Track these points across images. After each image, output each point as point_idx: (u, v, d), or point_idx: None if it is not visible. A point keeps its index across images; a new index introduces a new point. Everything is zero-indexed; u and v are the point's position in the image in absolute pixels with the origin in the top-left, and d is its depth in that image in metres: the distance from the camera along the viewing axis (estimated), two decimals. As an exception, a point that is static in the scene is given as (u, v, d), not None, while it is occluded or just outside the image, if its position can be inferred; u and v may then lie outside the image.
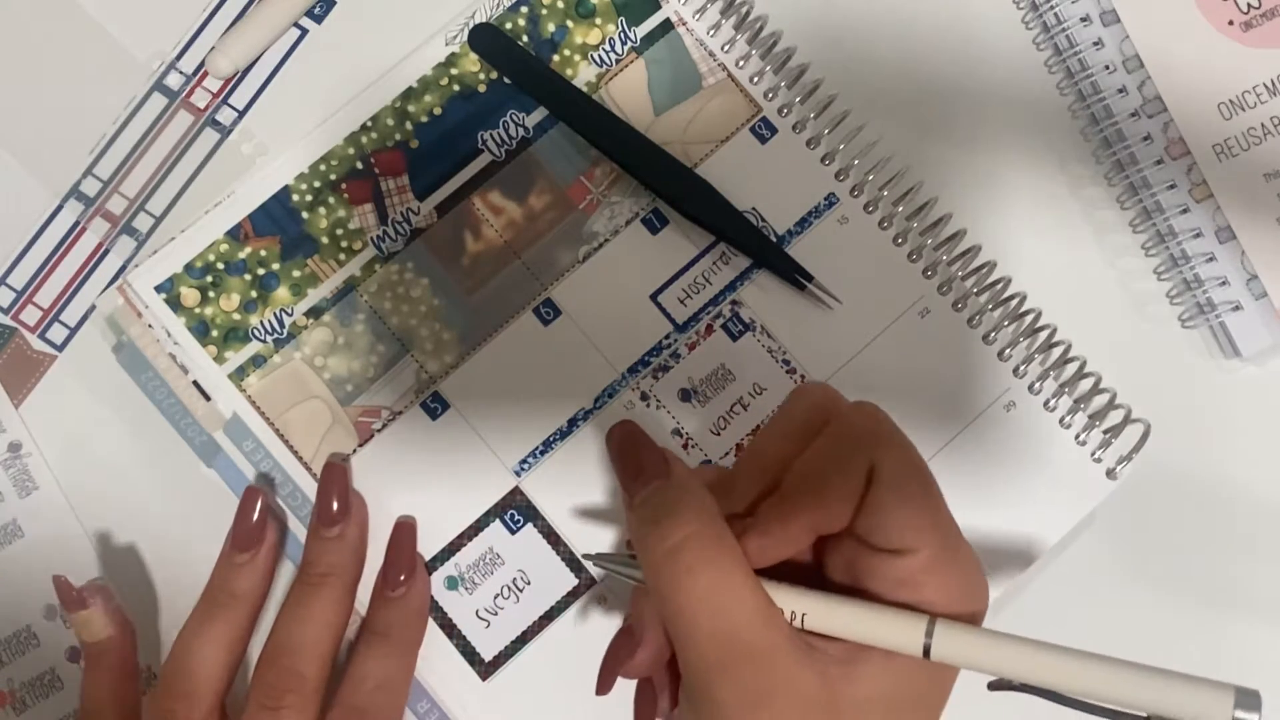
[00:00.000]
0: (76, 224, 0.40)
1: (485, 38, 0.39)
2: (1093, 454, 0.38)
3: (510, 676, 0.38)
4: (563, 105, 0.39)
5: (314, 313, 0.39)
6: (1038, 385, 0.38)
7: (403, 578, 0.37)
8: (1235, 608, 0.39)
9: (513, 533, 0.38)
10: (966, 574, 0.29)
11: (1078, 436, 0.38)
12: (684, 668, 0.28)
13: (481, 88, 0.40)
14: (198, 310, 0.39)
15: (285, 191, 0.39)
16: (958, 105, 0.40)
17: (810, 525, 0.29)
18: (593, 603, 0.38)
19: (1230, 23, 0.39)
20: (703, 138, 0.39)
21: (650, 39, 0.40)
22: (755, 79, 0.39)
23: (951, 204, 0.39)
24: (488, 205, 0.39)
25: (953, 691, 0.30)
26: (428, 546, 0.38)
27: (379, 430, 0.39)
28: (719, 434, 0.38)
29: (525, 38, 0.40)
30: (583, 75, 0.40)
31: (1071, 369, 0.38)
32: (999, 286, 0.39)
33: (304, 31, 0.41)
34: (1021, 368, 0.38)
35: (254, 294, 0.39)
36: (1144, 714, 0.26)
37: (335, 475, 0.37)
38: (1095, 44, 0.39)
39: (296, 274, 0.39)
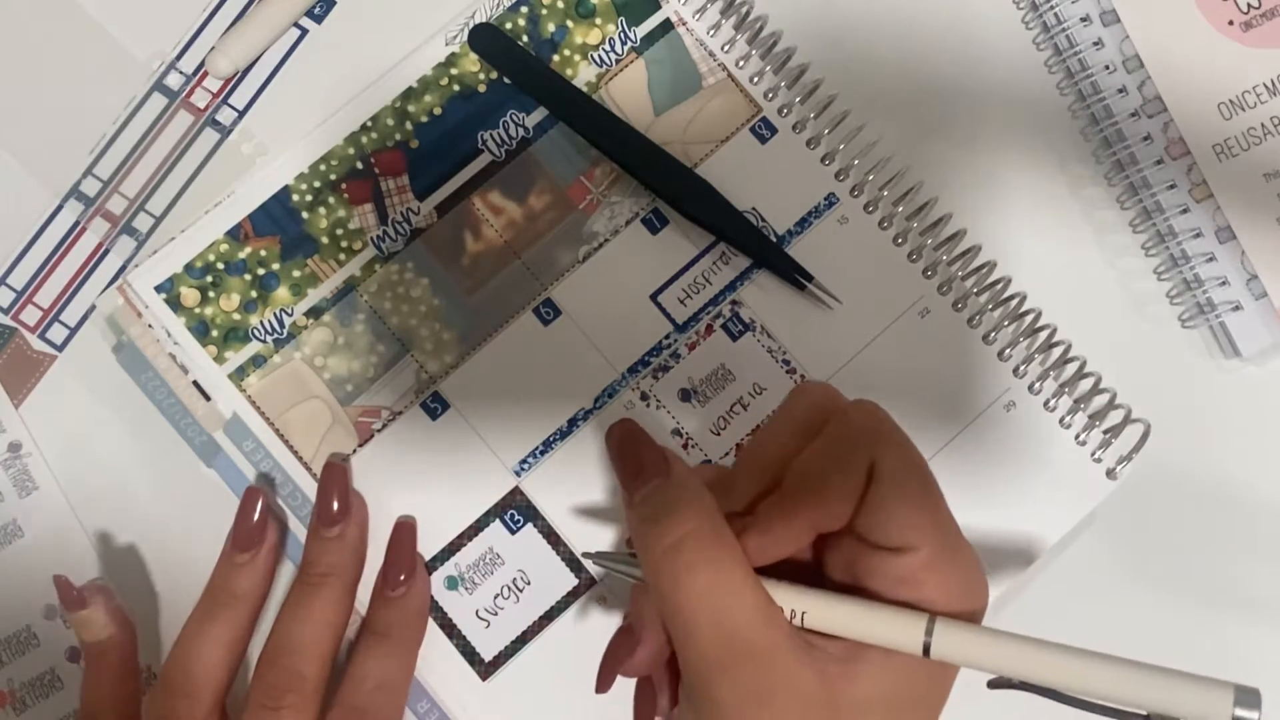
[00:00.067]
0: (76, 224, 0.40)
1: (485, 38, 0.39)
2: (1093, 454, 0.38)
3: (510, 676, 0.38)
4: (563, 105, 0.39)
5: (314, 313, 0.39)
6: (1038, 385, 0.38)
7: (403, 577, 0.37)
8: (1235, 608, 0.39)
9: (513, 533, 0.38)
10: (966, 572, 0.29)
11: (1078, 436, 0.38)
12: (684, 666, 0.28)
13: (481, 88, 0.40)
14: (198, 310, 0.39)
15: (285, 191, 0.39)
16: (958, 105, 0.40)
17: (810, 523, 0.29)
18: (593, 603, 0.38)
19: (1230, 23, 0.39)
20: (703, 138, 0.39)
21: (650, 39, 0.40)
22: (755, 79, 0.39)
23: (951, 204, 0.39)
24: (488, 205, 0.39)
25: (952, 690, 0.30)
26: (428, 546, 0.38)
27: (379, 430, 0.39)
28: (719, 434, 0.38)
29: (525, 38, 0.40)
30: (583, 75, 0.40)
31: (1071, 369, 0.38)
32: (999, 286, 0.39)
33: (304, 31, 0.41)
34: (1021, 368, 0.38)
35: (254, 294, 0.39)
36: (1144, 712, 0.27)
37: (335, 475, 0.37)
38: (1095, 44, 0.39)
39: (296, 274, 0.39)
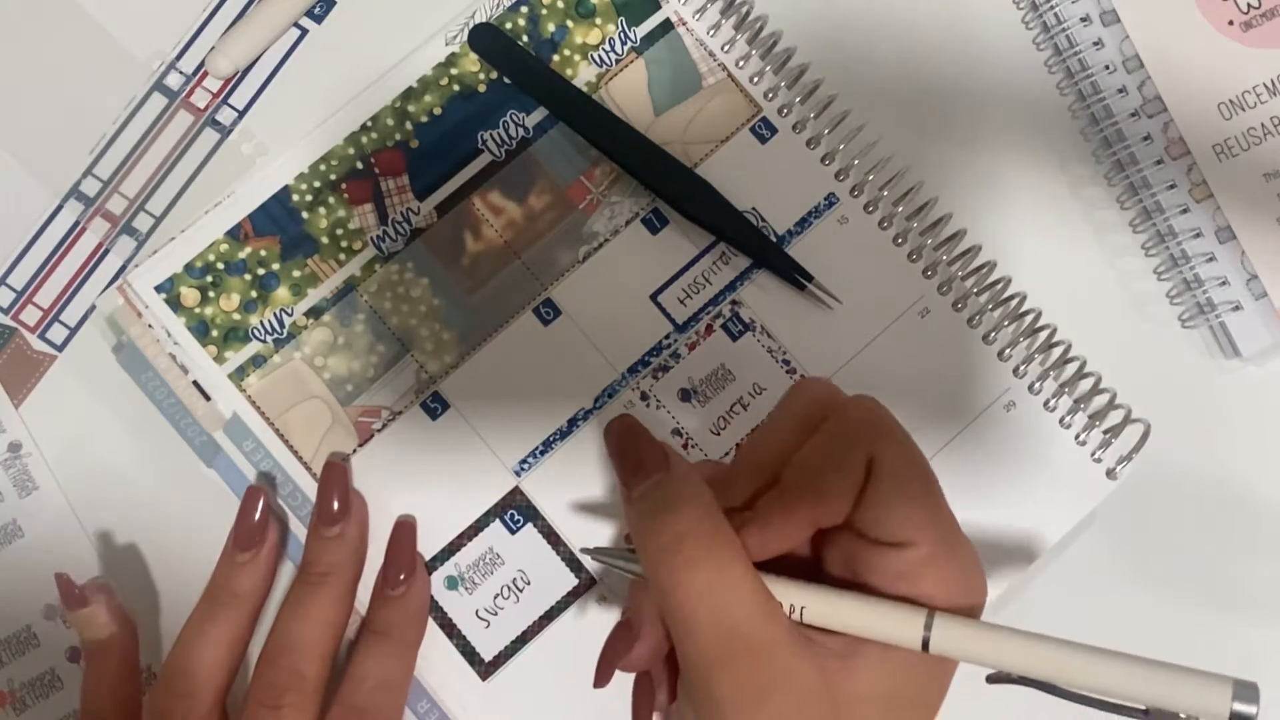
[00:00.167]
0: (76, 224, 0.40)
1: (485, 38, 0.39)
2: (1093, 454, 0.38)
3: (510, 676, 0.38)
4: (563, 105, 0.39)
5: (314, 313, 0.39)
6: (1038, 385, 0.38)
7: (402, 577, 0.37)
8: (1235, 608, 0.39)
9: (513, 533, 0.38)
10: (965, 568, 0.29)
11: (1078, 436, 0.38)
12: (683, 661, 0.28)
13: (481, 88, 0.40)
14: (198, 310, 0.39)
15: (285, 191, 0.39)
16: (958, 105, 0.40)
17: (809, 518, 0.29)
18: (592, 602, 0.38)
19: (1230, 23, 0.39)
20: (703, 138, 0.39)
21: (650, 39, 0.40)
22: (755, 79, 0.39)
23: (951, 204, 0.39)
24: (488, 205, 0.39)
25: (951, 686, 0.30)
26: (428, 546, 0.38)
27: (379, 430, 0.39)
28: (719, 434, 0.38)
29: (525, 38, 0.40)
30: (583, 75, 0.40)
31: (1071, 369, 0.38)
32: (999, 286, 0.39)
33: (304, 31, 0.41)
34: (1021, 368, 0.38)
35: (254, 294, 0.39)
36: (1143, 707, 0.27)
37: (335, 475, 0.37)
38: (1095, 44, 0.39)
39: (296, 274, 0.39)
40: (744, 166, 0.39)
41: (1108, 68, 0.39)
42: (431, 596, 0.38)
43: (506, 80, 0.40)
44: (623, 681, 0.38)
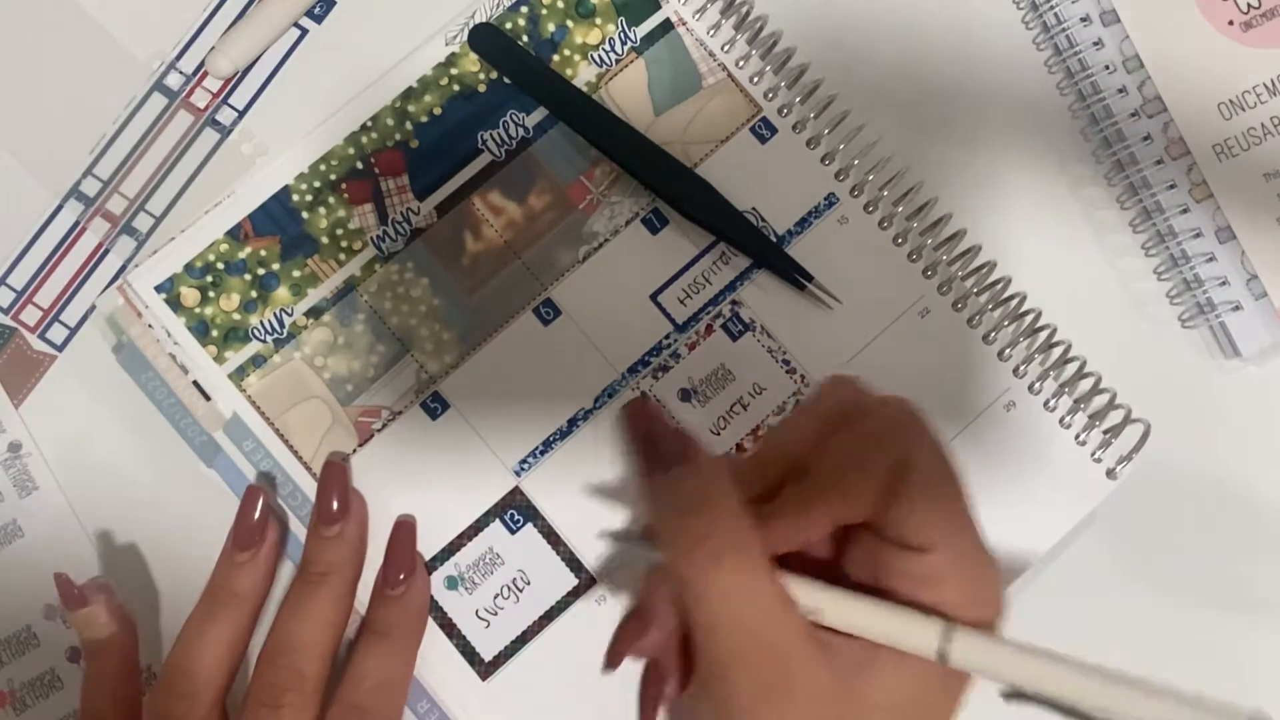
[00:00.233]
0: (76, 224, 0.40)
1: (485, 38, 0.39)
2: (1093, 454, 0.38)
3: (510, 676, 0.38)
4: (563, 105, 0.39)
5: (314, 313, 0.39)
6: (1038, 385, 0.38)
7: (402, 576, 0.37)
8: (1235, 608, 0.39)
9: (513, 533, 0.38)
10: (986, 578, 0.29)
11: (1078, 436, 0.38)
12: (700, 655, 0.28)
13: (481, 88, 0.40)
14: (198, 310, 0.39)
15: (285, 191, 0.39)
16: (958, 105, 0.40)
17: (832, 514, 0.29)
18: (593, 603, 0.38)
19: (1230, 23, 0.39)
20: (703, 138, 0.39)
21: (650, 39, 0.40)
22: (755, 79, 0.39)
23: (951, 204, 0.39)
24: (488, 205, 0.39)
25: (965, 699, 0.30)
26: (428, 546, 0.38)
27: (379, 430, 0.39)
28: (719, 434, 0.38)
29: (525, 38, 0.40)
30: (583, 75, 0.40)
31: (1071, 369, 0.38)
32: (999, 286, 0.39)
33: (304, 31, 0.41)
34: (1021, 368, 0.38)
35: (254, 294, 0.39)
36: None
37: (335, 474, 0.37)
38: (1095, 44, 0.39)
39: (296, 274, 0.39)
40: (744, 166, 0.39)
41: (1108, 68, 0.39)
42: (431, 596, 0.38)
43: (506, 80, 0.40)
44: (622, 681, 0.38)
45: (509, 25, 0.40)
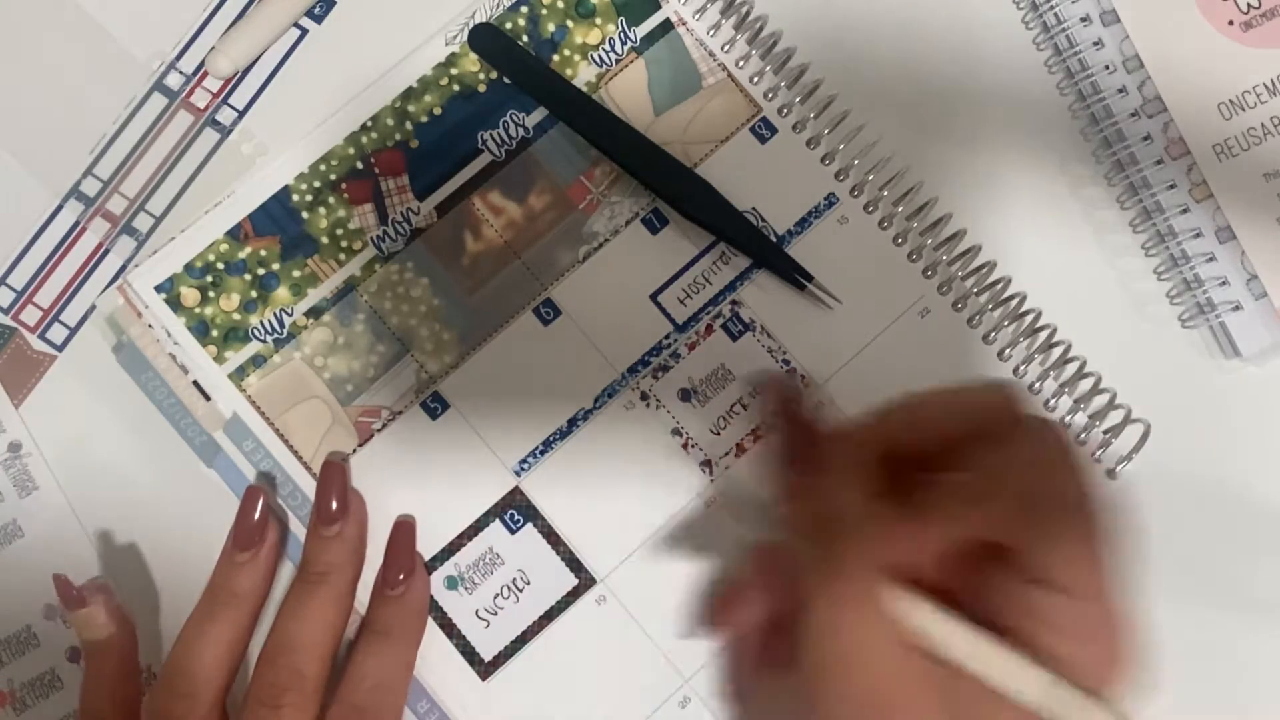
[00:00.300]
0: (76, 224, 0.40)
1: (485, 38, 0.39)
2: (1093, 454, 0.38)
3: (510, 676, 0.38)
4: (563, 105, 0.39)
5: (314, 313, 0.39)
6: (1038, 385, 0.38)
7: (402, 576, 0.37)
8: (1236, 608, 0.39)
9: (512, 533, 0.38)
10: (1127, 638, 0.27)
11: (1078, 436, 0.38)
12: (804, 666, 0.27)
13: (481, 88, 0.40)
14: (198, 310, 0.39)
15: (285, 191, 0.39)
16: (958, 105, 0.40)
17: (969, 532, 0.27)
18: (592, 603, 0.38)
19: (1230, 23, 0.39)
20: (703, 138, 0.39)
21: (650, 39, 0.40)
22: (755, 79, 0.39)
23: (951, 204, 0.39)
24: (488, 205, 0.39)
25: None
26: (427, 546, 0.38)
27: (379, 430, 0.39)
28: (719, 434, 0.38)
29: (525, 38, 0.40)
30: (583, 75, 0.40)
31: (1071, 369, 0.38)
32: (999, 286, 0.39)
33: (304, 31, 0.41)
34: (1021, 368, 0.38)
35: (254, 294, 0.39)
36: None
37: (334, 474, 0.37)
38: (1095, 44, 0.39)
39: (296, 274, 0.39)
40: (744, 166, 0.39)
41: (1108, 68, 0.39)
42: (431, 596, 0.38)
43: (506, 80, 0.40)
44: (621, 681, 0.38)
45: (509, 25, 0.40)
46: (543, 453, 0.38)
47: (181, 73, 0.41)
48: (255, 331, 0.39)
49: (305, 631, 0.35)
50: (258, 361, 0.39)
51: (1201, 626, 0.39)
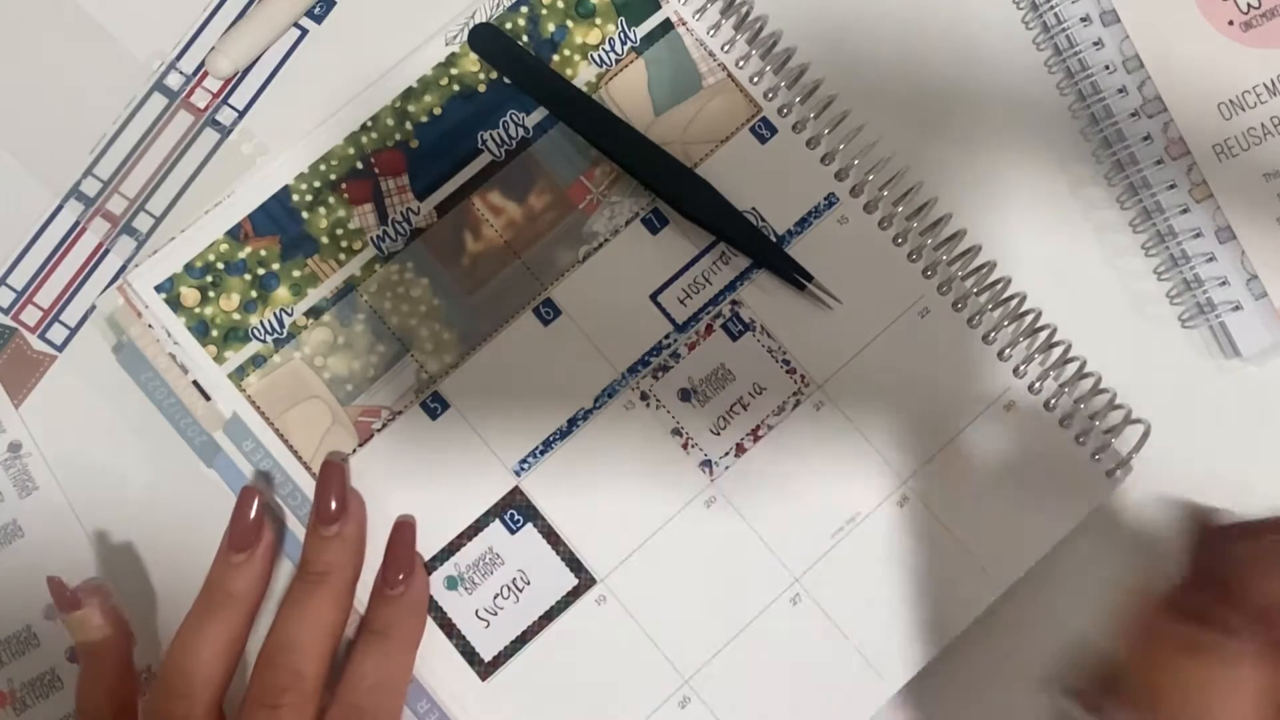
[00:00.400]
0: (76, 224, 0.40)
1: (485, 38, 0.39)
2: (1093, 454, 0.38)
3: (510, 676, 0.38)
4: (563, 105, 0.39)
5: (314, 312, 0.39)
6: (1038, 385, 0.38)
7: (402, 576, 0.37)
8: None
9: (512, 533, 0.38)
10: None
11: (1078, 437, 0.38)
12: None
13: (481, 88, 0.40)
14: (198, 310, 0.39)
15: (285, 191, 0.39)
16: (958, 105, 0.40)
17: None
18: (592, 603, 0.38)
19: (1230, 23, 0.39)
20: (703, 138, 0.39)
21: (650, 39, 0.40)
22: (755, 79, 0.39)
23: (951, 204, 0.39)
24: (488, 205, 0.39)
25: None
26: (427, 546, 0.38)
27: (379, 430, 0.39)
28: (719, 434, 0.38)
29: (525, 38, 0.40)
30: (583, 75, 0.40)
31: (1071, 369, 0.38)
32: (999, 286, 0.39)
33: (304, 31, 0.41)
34: (1021, 368, 0.38)
35: (254, 294, 0.39)
36: None
37: (334, 473, 0.37)
38: (1095, 44, 0.39)
39: (296, 274, 0.39)
40: (744, 166, 0.39)
41: (1108, 68, 0.39)
42: (431, 596, 0.38)
43: (506, 80, 0.40)
44: (621, 681, 0.38)
45: (509, 25, 0.40)
46: (543, 453, 0.38)
47: (181, 73, 0.41)
48: (255, 331, 0.39)
49: (304, 631, 0.35)
50: (258, 361, 0.39)
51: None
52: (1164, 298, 0.40)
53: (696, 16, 0.40)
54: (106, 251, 0.40)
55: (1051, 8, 0.40)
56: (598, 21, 0.40)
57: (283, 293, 0.39)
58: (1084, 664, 0.33)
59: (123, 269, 0.40)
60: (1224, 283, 0.39)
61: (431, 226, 0.39)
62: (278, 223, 0.39)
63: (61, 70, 0.41)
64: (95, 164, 0.40)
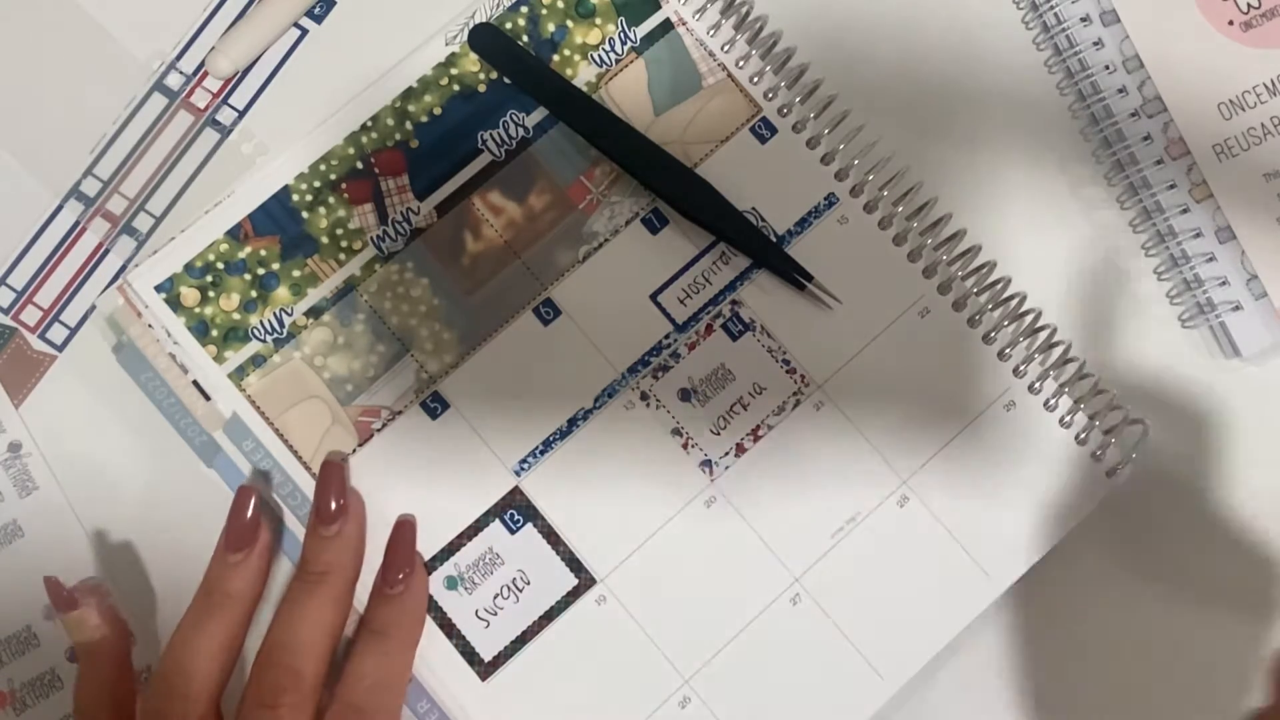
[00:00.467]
0: (76, 224, 0.40)
1: (485, 38, 0.39)
2: (1093, 454, 0.38)
3: (510, 676, 0.38)
4: (563, 105, 0.39)
5: (314, 312, 0.39)
6: (1038, 385, 0.38)
7: (402, 576, 0.37)
8: (1235, 608, 0.39)
9: (512, 533, 0.38)
10: None
11: (1078, 436, 0.38)
12: None
13: (481, 88, 0.40)
14: (198, 310, 0.39)
15: (285, 191, 0.39)
16: (958, 105, 0.40)
17: None
18: (592, 603, 0.38)
19: (1230, 23, 0.39)
20: (703, 138, 0.39)
21: (650, 39, 0.40)
22: (755, 79, 0.39)
23: (951, 204, 0.39)
24: (488, 205, 0.39)
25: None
26: (427, 546, 0.38)
27: (379, 430, 0.39)
28: (719, 434, 0.38)
29: (525, 38, 0.40)
30: (583, 75, 0.40)
31: (1071, 369, 0.38)
32: (999, 286, 0.39)
33: (304, 31, 0.41)
34: (1021, 368, 0.38)
35: (254, 294, 0.39)
36: None
37: (333, 473, 0.37)
38: (1095, 44, 0.39)
39: (296, 274, 0.39)
40: (744, 166, 0.39)
41: (1108, 68, 0.39)
42: (431, 596, 0.38)
43: (506, 80, 0.40)
44: (620, 681, 0.38)
45: (509, 25, 0.40)
46: (543, 453, 0.38)
47: (181, 73, 0.41)
48: (255, 331, 0.39)
49: (303, 631, 0.35)
50: (257, 361, 0.39)
51: (1202, 626, 0.39)
52: (1164, 298, 0.40)
53: (696, 16, 0.40)
54: (106, 251, 0.40)
55: (1051, 8, 0.40)
56: (598, 21, 0.40)
57: (283, 292, 0.39)
58: None
59: (123, 269, 0.40)
60: (1224, 283, 0.39)
61: (431, 226, 0.39)
62: (278, 223, 0.39)
63: (61, 70, 0.41)
64: (95, 164, 0.40)
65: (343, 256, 0.39)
